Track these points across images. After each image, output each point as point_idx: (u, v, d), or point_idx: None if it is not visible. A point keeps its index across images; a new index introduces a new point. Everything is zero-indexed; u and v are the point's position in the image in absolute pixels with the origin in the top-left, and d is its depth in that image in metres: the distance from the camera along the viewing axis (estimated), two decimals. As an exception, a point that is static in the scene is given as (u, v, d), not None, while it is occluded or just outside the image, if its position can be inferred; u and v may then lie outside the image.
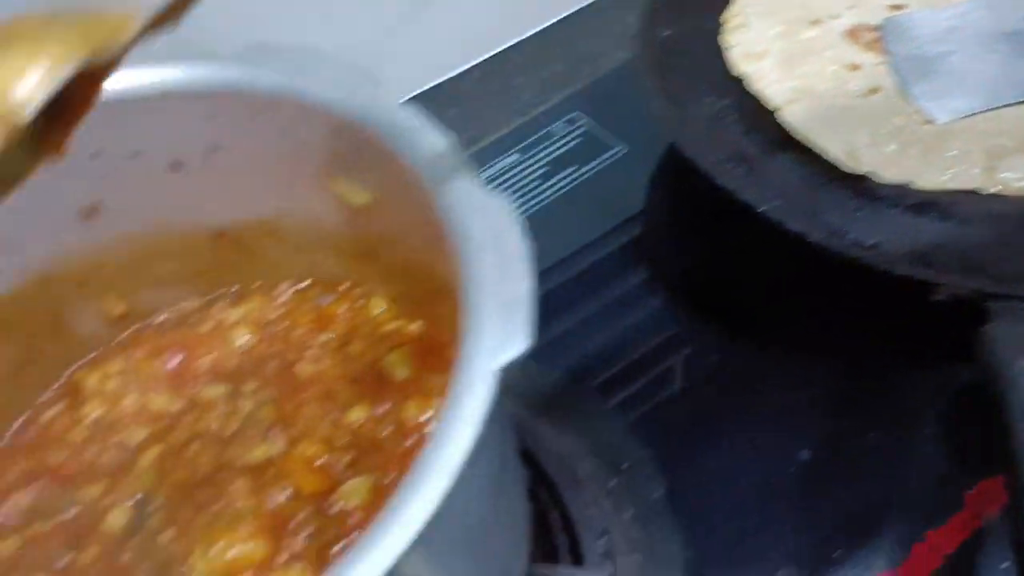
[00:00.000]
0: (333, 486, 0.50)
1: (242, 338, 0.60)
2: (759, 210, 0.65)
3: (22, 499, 0.52)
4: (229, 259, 0.61)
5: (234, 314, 0.61)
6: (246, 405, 0.55)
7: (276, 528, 0.49)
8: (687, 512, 0.63)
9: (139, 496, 0.50)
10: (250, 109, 0.50)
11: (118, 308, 0.60)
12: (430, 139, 0.43)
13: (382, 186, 0.51)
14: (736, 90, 0.77)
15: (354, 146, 0.47)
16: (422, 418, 0.53)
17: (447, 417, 0.34)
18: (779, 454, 0.66)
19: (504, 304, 0.36)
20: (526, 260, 0.38)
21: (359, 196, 0.52)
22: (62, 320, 0.58)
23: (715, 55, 0.80)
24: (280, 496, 0.49)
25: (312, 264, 0.61)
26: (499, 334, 0.36)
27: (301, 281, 0.63)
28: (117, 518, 0.50)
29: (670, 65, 0.77)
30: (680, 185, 0.84)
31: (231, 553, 0.47)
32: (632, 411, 0.69)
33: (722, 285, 0.76)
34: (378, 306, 0.60)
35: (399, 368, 0.56)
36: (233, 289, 0.62)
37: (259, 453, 0.51)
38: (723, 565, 0.61)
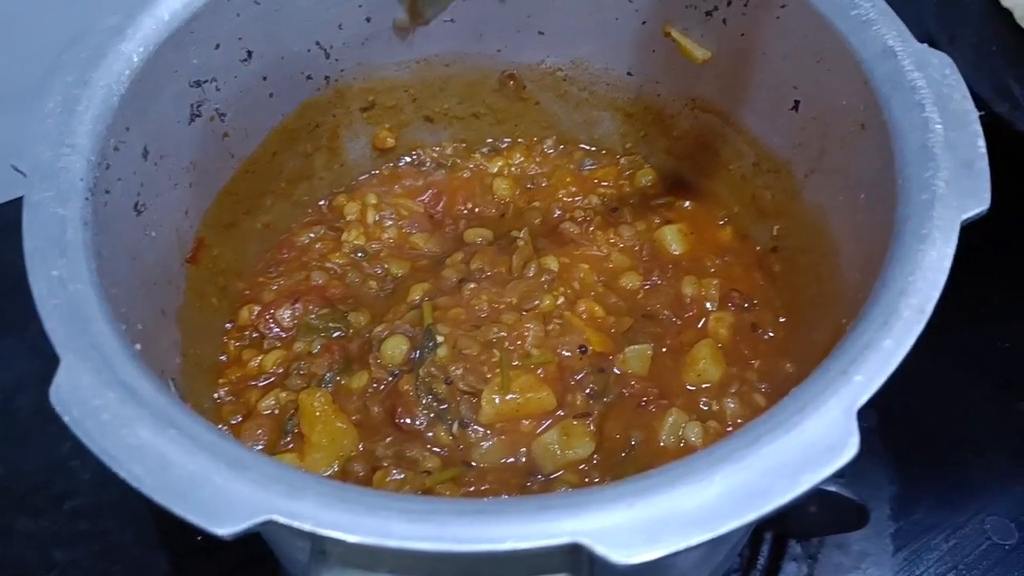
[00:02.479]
0: (615, 349, 0.49)
1: (502, 189, 0.59)
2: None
3: (285, 314, 0.51)
4: (507, 106, 0.59)
5: (495, 164, 0.60)
6: (519, 254, 0.53)
7: (563, 380, 0.48)
8: (899, 449, 0.62)
9: (416, 330, 0.49)
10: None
11: (388, 141, 0.59)
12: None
13: (733, 44, 0.48)
14: (1000, 23, 0.74)
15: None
16: (700, 293, 0.52)
17: (911, 265, 0.32)
18: (1000, 402, 0.64)
19: (964, 162, 0.34)
20: (976, 119, 0.36)
21: (700, 51, 0.50)
22: (338, 141, 0.57)
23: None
24: (566, 350, 0.48)
25: (588, 124, 0.59)
26: (961, 190, 0.34)
27: (569, 143, 0.60)
28: (393, 348, 0.48)
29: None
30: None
31: (524, 397, 0.46)
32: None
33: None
34: (646, 176, 0.58)
35: (673, 243, 0.54)
36: (500, 142, 0.60)
37: (546, 303, 0.50)
38: (929, 503, 0.60)
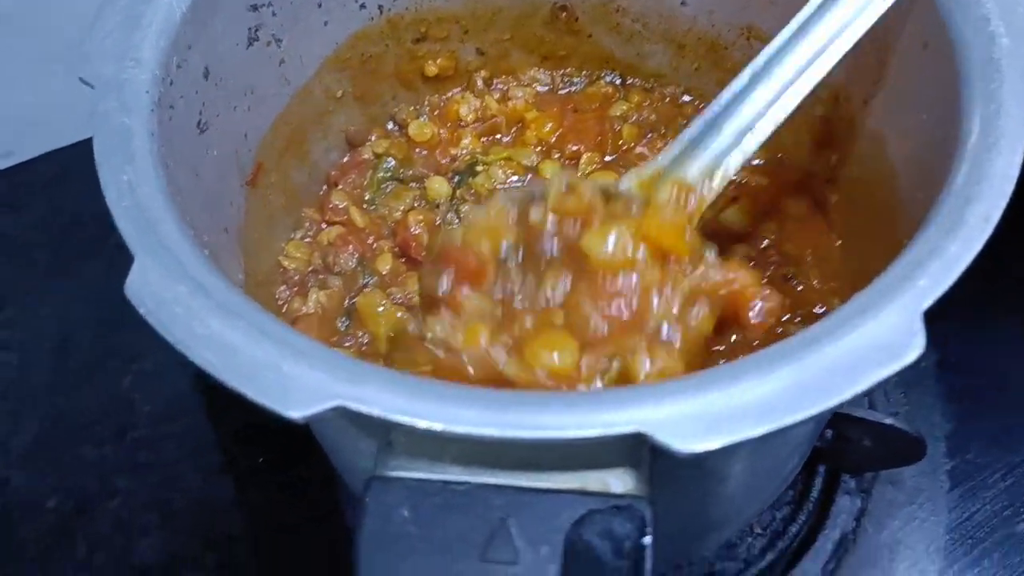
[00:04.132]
0: None
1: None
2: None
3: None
4: (558, 39, 0.59)
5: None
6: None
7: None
8: (954, 386, 0.62)
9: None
10: None
11: (432, 70, 0.58)
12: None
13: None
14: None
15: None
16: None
17: (978, 174, 0.32)
18: (1055, 344, 0.63)
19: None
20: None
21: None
22: (388, 71, 0.57)
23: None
24: None
25: (641, 57, 0.59)
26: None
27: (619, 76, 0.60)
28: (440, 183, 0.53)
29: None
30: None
31: None
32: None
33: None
34: None
35: (736, 222, 0.52)
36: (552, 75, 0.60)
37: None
38: (984, 442, 0.59)
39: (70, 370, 0.66)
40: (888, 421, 0.51)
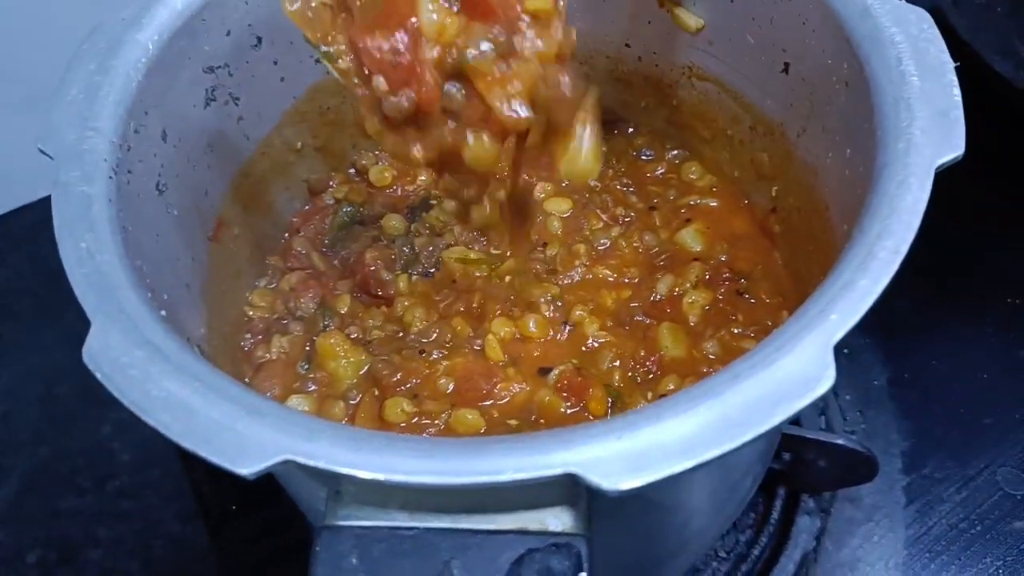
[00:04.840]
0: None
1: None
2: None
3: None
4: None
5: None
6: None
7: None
8: (909, 403, 0.63)
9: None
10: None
11: None
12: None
13: (724, 11, 0.50)
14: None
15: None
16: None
17: (888, 209, 0.34)
18: (1008, 358, 0.65)
19: (939, 111, 0.36)
20: (952, 70, 0.37)
21: (693, 20, 0.52)
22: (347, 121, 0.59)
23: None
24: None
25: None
26: (936, 137, 0.35)
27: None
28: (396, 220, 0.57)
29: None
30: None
31: None
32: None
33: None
34: (692, 170, 0.58)
35: (693, 243, 0.55)
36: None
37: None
38: (940, 457, 0.61)
39: (52, 421, 0.68)
40: (840, 441, 0.53)
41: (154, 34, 0.43)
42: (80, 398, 0.68)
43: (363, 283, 0.54)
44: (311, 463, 0.29)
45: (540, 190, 0.57)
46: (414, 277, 0.54)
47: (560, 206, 0.57)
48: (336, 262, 0.56)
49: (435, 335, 0.51)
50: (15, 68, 0.78)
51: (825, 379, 0.30)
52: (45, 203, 0.77)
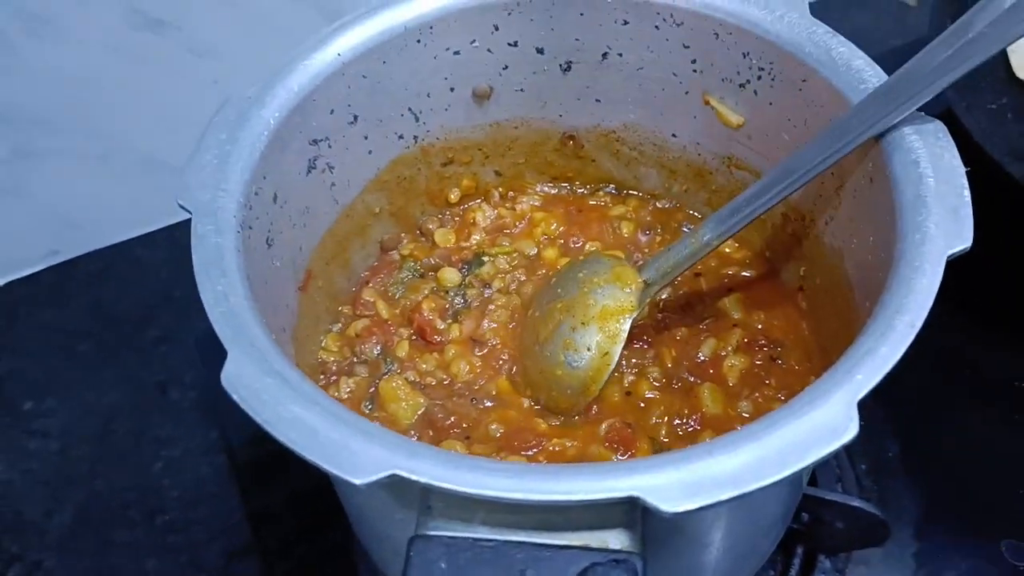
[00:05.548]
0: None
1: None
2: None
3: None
4: (565, 163, 0.68)
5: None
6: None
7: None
8: (920, 474, 0.68)
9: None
10: (661, 18, 0.56)
11: (455, 197, 0.68)
12: (854, 62, 0.49)
13: (763, 111, 0.57)
14: (1016, 91, 0.81)
15: (764, 64, 0.53)
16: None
17: (905, 289, 0.40)
18: (1017, 434, 0.70)
19: (951, 208, 0.42)
20: (963, 174, 0.43)
21: (735, 117, 0.58)
22: (419, 190, 0.66)
23: (1000, 55, 0.83)
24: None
25: (637, 179, 0.68)
26: (948, 231, 0.41)
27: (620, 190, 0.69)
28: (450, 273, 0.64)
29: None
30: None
31: None
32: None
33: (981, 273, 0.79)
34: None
35: (734, 311, 0.60)
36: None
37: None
38: (949, 526, 0.65)
39: (107, 457, 0.72)
40: (856, 503, 0.58)
41: (275, 111, 0.50)
42: (133, 436, 0.73)
43: (420, 330, 0.60)
44: (414, 477, 0.35)
45: (592, 245, 0.64)
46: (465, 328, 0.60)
47: None
48: (398, 311, 0.62)
49: (479, 385, 0.57)
50: (89, 124, 0.84)
51: (850, 430, 0.35)
52: (108, 251, 0.85)
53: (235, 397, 0.37)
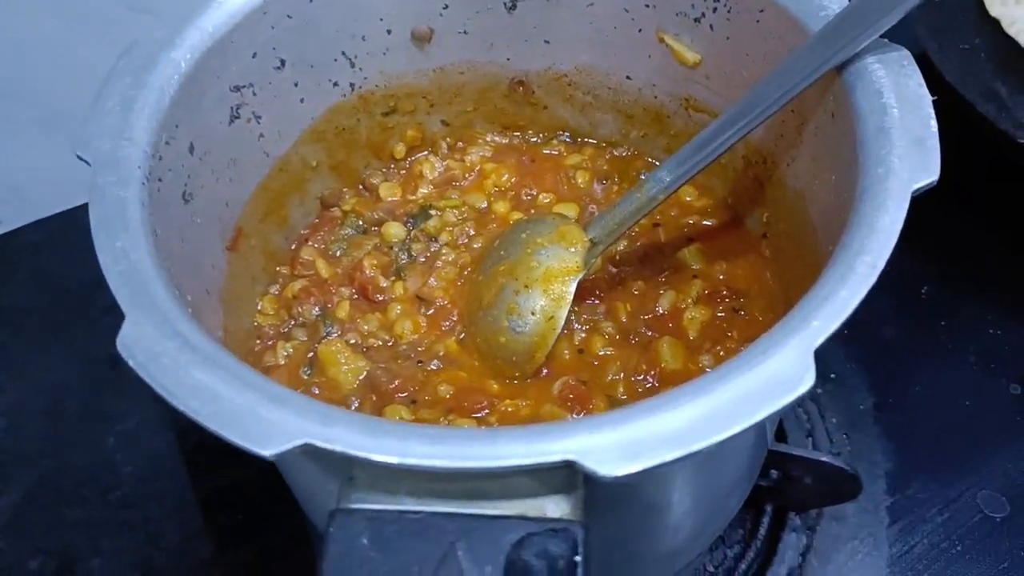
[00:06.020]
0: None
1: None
2: (1017, 140, 0.67)
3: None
4: (516, 110, 0.64)
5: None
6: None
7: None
8: (893, 427, 0.66)
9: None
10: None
11: (401, 151, 0.64)
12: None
13: (720, 47, 0.53)
14: (989, 31, 0.78)
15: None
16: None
17: (867, 229, 0.37)
18: (990, 384, 0.67)
19: (916, 139, 0.39)
20: (929, 103, 0.40)
21: (691, 54, 0.55)
22: (360, 142, 0.62)
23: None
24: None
25: (593, 125, 0.64)
26: (913, 163, 0.38)
27: (576, 138, 0.65)
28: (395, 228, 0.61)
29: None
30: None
31: None
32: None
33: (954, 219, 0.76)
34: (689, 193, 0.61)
35: (694, 262, 0.57)
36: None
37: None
38: (923, 479, 0.63)
39: (57, 434, 0.69)
40: (825, 459, 0.55)
41: (187, 53, 0.46)
42: (84, 412, 0.70)
43: (361, 289, 0.57)
44: (329, 446, 0.32)
45: (545, 197, 0.60)
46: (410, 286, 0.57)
47: (566, 212, 0.59)
48: (339, 270, 0.59)
49: (425, 346, 0.54)
50: (31, 90, 0.81)
51: (806, 380, 0.32)
52: (55, 220, 0.81)
53: (131, 363, 0.34)
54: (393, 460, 0.31)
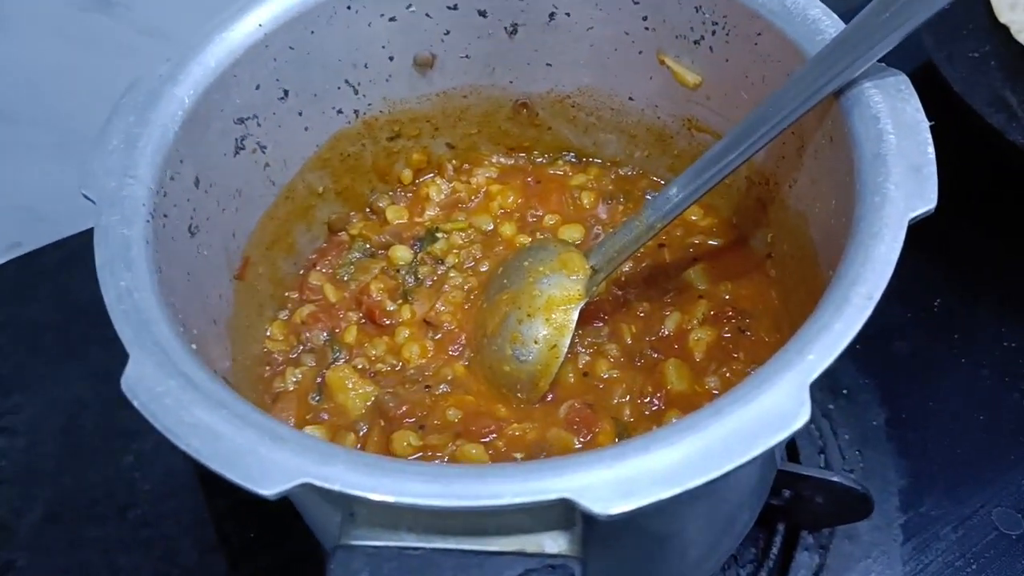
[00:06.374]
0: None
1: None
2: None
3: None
4: (520, 132, 0.64)
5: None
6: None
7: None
8: (906, 442, 0.65)
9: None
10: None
11: (407, 176, 0.64)
12: (810, 12, 0.45)
13: (719, 69, 0.53)
14: (998, 38, 0.78)
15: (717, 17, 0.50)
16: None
17: (862, 258, 0.36)
18: (1005, 399, 0.67)
19: (913, 167, 0.39)
20: (927, 129, 0.40)
21: (691, 76, 0.55)
22: (366, 167, 0.62)
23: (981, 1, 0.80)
24: None
25: (597, 145, 0.65)
26: (909, 191, 0.38)
27: (580, 158, 0.65)
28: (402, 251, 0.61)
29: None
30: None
31: None
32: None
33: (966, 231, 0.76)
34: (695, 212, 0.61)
35: (699, 282, 0.57)
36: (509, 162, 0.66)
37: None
38: (937, 496, 0.63)
39: (75, 452, 0.70)
40: (836, 478, 0.55)
41: (190, 89, 0.47)
42: (102, 430, 0.70)
43: (368, 313, 0.57)
44: (327, 486, 0.32)
45: (551, 218, 0.60)
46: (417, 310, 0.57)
47: (572, 234, 0.60)
48: (347, 294, 0.59)
49: (433, 370, 0.54)
50: (48, 115, 0.82)
51: (801, 415, 0.32)
52: (73, 241, 0.83)
53: (135, 403, 0.34)
54: (390, 500, 0.32)
